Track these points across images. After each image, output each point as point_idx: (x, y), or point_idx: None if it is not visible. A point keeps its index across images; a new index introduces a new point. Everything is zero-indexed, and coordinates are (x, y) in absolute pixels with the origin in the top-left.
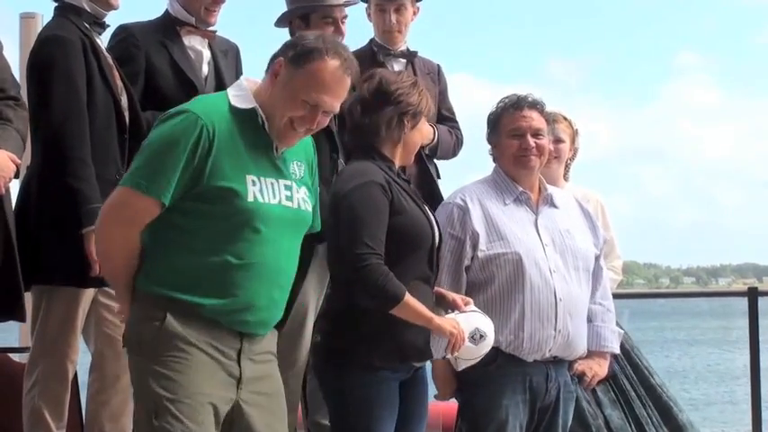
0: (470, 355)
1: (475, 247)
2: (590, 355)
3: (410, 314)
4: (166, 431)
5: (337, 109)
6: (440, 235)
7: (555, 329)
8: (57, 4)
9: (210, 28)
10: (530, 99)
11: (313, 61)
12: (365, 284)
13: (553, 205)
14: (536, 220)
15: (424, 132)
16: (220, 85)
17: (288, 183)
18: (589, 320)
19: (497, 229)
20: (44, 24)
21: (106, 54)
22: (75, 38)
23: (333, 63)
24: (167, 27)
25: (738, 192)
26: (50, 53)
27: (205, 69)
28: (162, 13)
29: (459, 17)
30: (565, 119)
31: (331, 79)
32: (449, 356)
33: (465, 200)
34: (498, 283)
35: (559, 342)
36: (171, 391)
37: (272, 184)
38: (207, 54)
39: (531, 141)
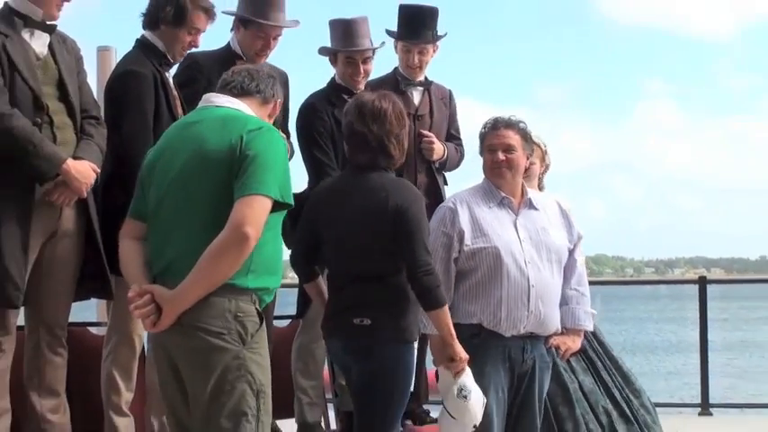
0: (457, 410)
1: (461, 242)
2: (566, 331)
3: (442, 322)
4: (263, 410)
5: None
6: None
7: (528, 310)
8: (137, 39)
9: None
10: (505, 120)
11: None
12: (424, 286)
13: (533, 207)
14: (515, 220)
15: None
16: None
17: None
18: (566, 303)
19: (481, 227)
20: (117, 56)
21: (172, 87)
22: (148, 72)
23: None
24: (227, 58)
25: (694, 197)
26: (127, 84)
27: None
28: (225, 44)
29: (459, 41)
30: (536, 145)
31: None
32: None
33: (455, 203)
34: (481, 272)
35: (532, 321)
36: (266, 379)
37: None
38: (276, 79)
39: (501, 156)
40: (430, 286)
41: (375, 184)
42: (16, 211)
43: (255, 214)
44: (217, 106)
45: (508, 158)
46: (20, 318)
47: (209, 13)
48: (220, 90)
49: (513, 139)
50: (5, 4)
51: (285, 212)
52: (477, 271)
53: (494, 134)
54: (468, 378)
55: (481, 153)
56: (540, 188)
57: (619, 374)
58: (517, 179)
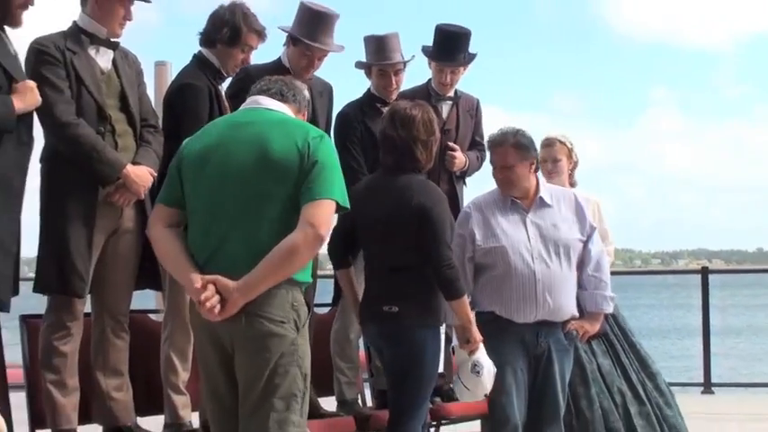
0: (470, 382)
1: (473, 242)
2: (586, 315)
3: (461, 310)
4: (305, 389)
5: None
6: None
7: (536, 302)
8: (194, 54)
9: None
10: (498, 139)
11: None
12: (446, 278)
13: (545, 204)
14: (526, 219)
15: None
16: (313, 119)
17: None
18: (585, 288)
19: (491, 228)
20: (173, 70)
21: (224, 99)
22: (203, 85)
23: None
24: (277, 71)
25: (695, 195)
26: (184, 96)
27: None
28: (276, 58)
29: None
30: (560, 141)
31: None
32: (454, 386)
33: (470, 208)
34: (494, 268)
35: (542, 311)
36: (308, 365)
37: None
38: (306, 95)
39: (499, 174)
40: (451, 279)
41: (402, 185)
42: (82, 210)
43: (326, 216)
44: (267, 108)
45: (506, 176)
46: (87, 306)
47: (261, 35)
48: (261, 93)
49: (509, 156)
50: (74, 22)
51: None
52: (492, 267)
53: (493, 151)
54: (481, 355)
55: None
56: (572, 184)
57: (636, 358)
58: (521, 185)
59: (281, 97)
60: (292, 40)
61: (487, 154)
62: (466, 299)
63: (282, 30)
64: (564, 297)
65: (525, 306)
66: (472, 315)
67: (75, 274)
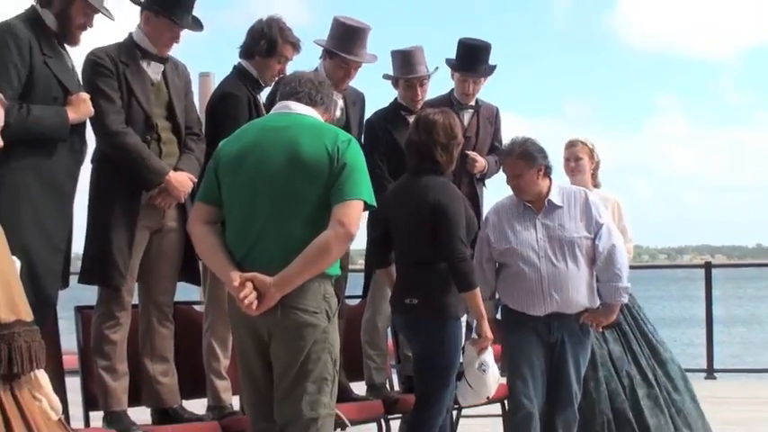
0: (475, 380)
1: (489, 245)
2: (603, 306)
3: (473, 302)
4: (335, 373)
5: None
6: None
7: (543, 297)
8: (234, 66)
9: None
10: (506, 150)
11: None
12: (458, 271)
13: (555, 206)
14: (536, 221)
15: None
16: (346, 127)
17: None
18: (598, 281)
19: (504, 232)
20: (216, 81)
21: (262, 108)
22: (243, 95)
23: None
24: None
25: (698, 194)
26: (225, 105)
27: (338, 113)
28: (313, 69)
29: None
30: (582, 142)
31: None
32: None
33: (490, 213)
34: (509, 267)
35: (551, 305)
36: (338, 351)
37: None
38: (341, 103)
39: (511, 182)
40: (464, 271)
41: (423, 185)
42: (125, 211)
43: (356, 215)
44: (298, 114)
45: (516, 183)
46: (135, 297)
47: (296, 46)
48: (290, 97)
49: (517, 165)
50: (130, 35)
51: None
52: (507, 266)
53: (503, 162)
54: (489, 356)
55: None
56: (595, 184)
57: (648, 346)
58: (531, 191)
59: (310, 101)
60: (328, 53)
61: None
62: (478, 292)
63: (318, 44)
64: (572, 292)
65: (534, 301)
66: (485, 309)
67: (115, 269)
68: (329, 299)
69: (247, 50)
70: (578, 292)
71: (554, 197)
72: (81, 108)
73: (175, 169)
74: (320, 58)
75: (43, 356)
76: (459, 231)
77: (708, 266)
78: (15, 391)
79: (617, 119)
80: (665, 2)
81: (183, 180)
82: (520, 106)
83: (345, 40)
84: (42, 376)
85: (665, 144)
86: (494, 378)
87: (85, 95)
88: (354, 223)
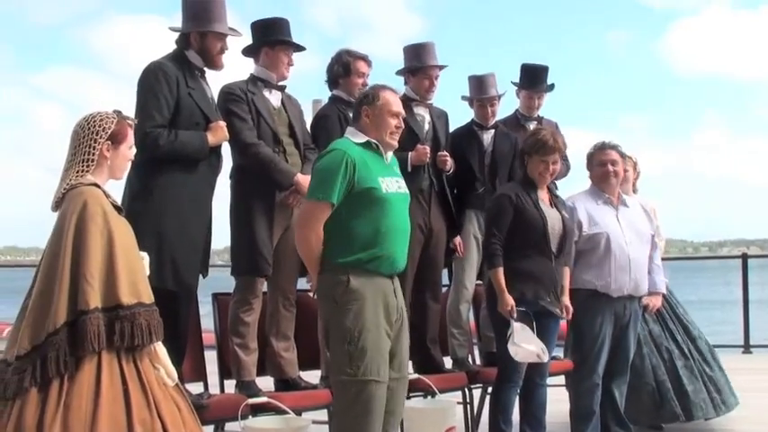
0: (526, 340)
1: (580, 229)
2: (651, 294)
3: (495, 279)
4: (358, 350)
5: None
6: (563, 227)
7: (629, 278)
8: (330, 94)
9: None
10: (609, 143)
11: (380, 95)
12: (486, 252)
13: (625, 205)
14: (616, 213)
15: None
16: (436, 139)
17: (397, 178)
18: (650, 273)
19: (593, 218)
20: None
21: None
22: (334, 115)
23: (388, 91)
24: (405, 102)
25: (736, 196)
26: (324, 124)
27: (426, 127)
28: (402, 94)
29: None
30: (628, 156)
31: (393, 98)
32: (510, 347)
33: (574, 203)
34: (597, 250)
35: (632, 286)
36: (360, 326)
37: (390, 180)
38: (428, 118)
39: (610, 168)
40: (489, 253)
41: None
42: (264, 210)
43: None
44: None
45: (614, 170)
46: (264, 286)
47: (366, 60)
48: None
49: (616, 156)
50: (251, 74)
51: None
52: (595, 250)
53: (602, 152)
54: (517, 325)
55: (589, 166)
56: (635, 191)
57: (681, 325)
58: (619, 177)
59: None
60: (410, 71)
61: (570, 164)
62: (497, 271)
63: (399, 73)
64: (644, 276)
65: (621, 281)
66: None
67: (262, 259)
68: (332, 286)
69: (331, 80)
70: (646, 277)
71: (626, 198)
72: (218, 133)
73: (302, 174)
74: (405, 84)
75: (161, 332)
76: (491, 223)
77: (744, 257)
78: (137, 361)
79: (667, 131)
80: (709, 31)
81: (306, 182)
82: (579, 122)
83: (418, 56)
84: (161, 349)
85: (709, 152)
86: (524, 347)
87: (223, 123)
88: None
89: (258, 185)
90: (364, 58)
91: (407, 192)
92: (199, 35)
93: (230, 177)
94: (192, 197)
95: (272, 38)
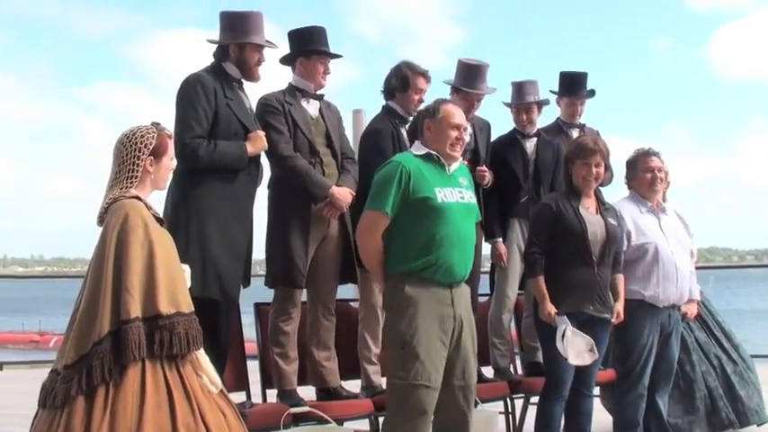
0: (575, 346)
1: (629, 238)
2: (689, 301)
3: (536, 287)
4: (410, 355)
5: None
6: (606, 234)
7: (676, 287)
8: (383, 105)
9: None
10: (653, 150)
11: (441, 108)
12: (527, 261)
13: (665, 213)
14: (659, 222)
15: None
16: (476, 151)
17: (460, 189)
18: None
19: (639, 228)
20: (367, 116)
21: (405, 138)
22: (386, 130)
23: (450, 104)
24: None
25: None
26: (375, 140)
27: (467, 138)
28: None
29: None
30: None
31: (454, 110)
32: (559, 345)
33: (620, 212)
34: (645, 260)
35: (677, 295)
36: (412, 331)
37: (450, 191)
38: (470, 129)
39: (658, 174)
40: (529, 262)
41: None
42: (299, 222)
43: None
44: None
45: (660, 177)
46: (303, 296)
47: (426, 76)
48: None
49: (660, 163)
50: (289, 83)
51: None
52: (642, 259)
53: (648, 159)
54: (567, 327)
55: (630, 174)
56: (664, 200)
57: (723, 332)
58: (661, 191)
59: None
60: (455, 89)
61: (613, 172)
62: (538, 279)
63: (447, 83)
64: (687, 285)
65: (669, 291)
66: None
67: (297, 270)
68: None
69: (388, 91)
70: (688, 287)
71: (665, 206)
72: (257, 143)
73: (337, 185)
74: (450, 94)
75: (200, 340)
76: (532, 231)
77: None
78: (180, 369)
79: (712, 139)
80: (753, 38)
81: (344, 194)
82: (624, 130)
83: (468, 77)
84: (203, 357)
85: (754, 160)
86: (572, 346)
87: (261, 133)
88: None
89: (295, 197)
90: (424, 74)
91: (472, 202)
92: (237, 47)
93: (268, 187)
94: (232, 207)
95: (307, 47)
